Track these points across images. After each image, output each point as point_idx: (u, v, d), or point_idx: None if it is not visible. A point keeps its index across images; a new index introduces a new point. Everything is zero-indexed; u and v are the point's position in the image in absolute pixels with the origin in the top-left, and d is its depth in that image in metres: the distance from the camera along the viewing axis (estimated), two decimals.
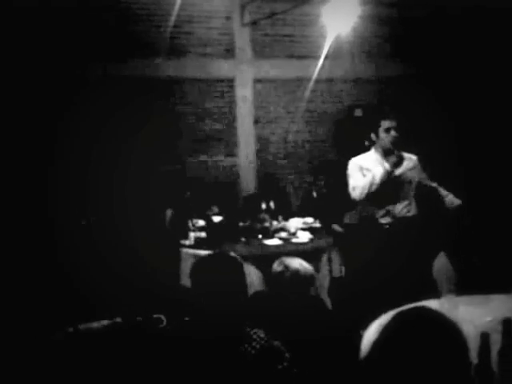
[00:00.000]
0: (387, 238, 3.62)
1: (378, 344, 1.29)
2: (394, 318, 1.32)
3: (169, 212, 4.84)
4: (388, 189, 3.58)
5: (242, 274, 1.84)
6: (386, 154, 3.64)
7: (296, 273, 2.40)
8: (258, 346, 1.72)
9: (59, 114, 4.98)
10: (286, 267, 2.42)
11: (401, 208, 3.71)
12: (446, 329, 1.28)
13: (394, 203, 3.69)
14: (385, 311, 2.11)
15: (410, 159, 3.75)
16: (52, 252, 4.37)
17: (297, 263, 2.45)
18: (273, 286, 2.49)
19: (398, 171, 3.62)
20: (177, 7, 5.25)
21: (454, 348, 1.26)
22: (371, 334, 1.99)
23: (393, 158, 3.58)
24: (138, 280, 3.85)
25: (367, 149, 3.89)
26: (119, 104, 5.12)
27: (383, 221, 3.69)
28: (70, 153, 5.00)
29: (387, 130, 3.62)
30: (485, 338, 1.54)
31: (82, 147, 5.02)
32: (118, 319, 2.50)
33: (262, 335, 1.75)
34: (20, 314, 3.13)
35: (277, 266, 2.45)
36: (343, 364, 1.91)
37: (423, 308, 1.37)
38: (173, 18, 5.36)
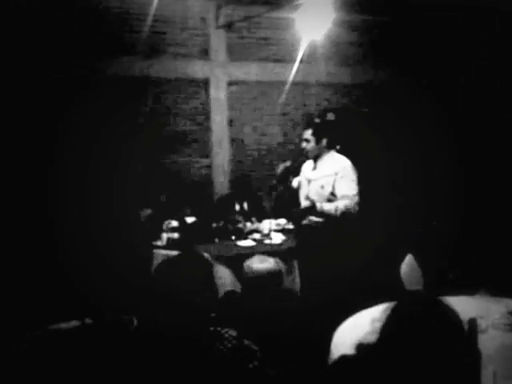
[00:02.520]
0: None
1: (384, 335, 1.29)
2: (396, 310, 1.33)
3: (145, 212, 4.81)
4: (302, 192, 3.97)
5: (210, 273, 1.85)
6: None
7: (265, 269, 2.42)
8: (229, 345, 1.73)
9: (34, 114, 4.90)
10: (254, 264, 2.45)
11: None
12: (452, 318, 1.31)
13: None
14: (351, 314, 2.15)
15: (330, 165, 3.83)
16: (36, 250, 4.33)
17: (265, 260, 2.48)
18: (244, 283, 2.51)
19: (311, 175, 3.90)
20: (152, 7, 5.22)
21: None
22: (343, 334, 2.03)
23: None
24: (109, 280, 3.82)
25: (338, 152, 4.00)
26: (91, 103, 5.06)
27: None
28: (37, 153, 4.92)
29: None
30: (473, 323, 1.59)
31: (53, 146, 4.94)
32: (88, 320, 2.47)
33: (234, 334, 1.76)
34: None
35: (247, 263, 2.47)
36: (313, 363, 1.94)
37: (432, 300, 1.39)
38: (148, 18, 5.33)
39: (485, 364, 1.76)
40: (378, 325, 1.35)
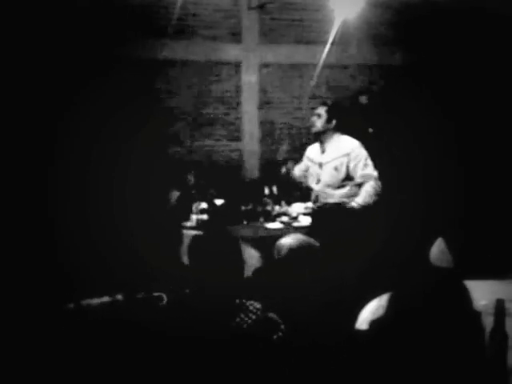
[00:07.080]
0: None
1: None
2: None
3: (174, 194, 4.89)
4: (311, 174, 3.95)
5: (237, 251, 1.89)
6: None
7: (297, 245, 2.44)
8: (253, 317, 1.78)
9: (66, 92, 5.02)
10: (285, 240, 2.48)
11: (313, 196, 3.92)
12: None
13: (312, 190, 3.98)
14: (378, 294, 2.14)
15: (340, 147, 3.79)
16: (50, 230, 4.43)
17: (292, 237, 2.50)
18: (276, 261, 2.53)
19: (322, 159, 3.84)
20: None
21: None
22: (365, 312, 2.03)
23: None
24: (139, 259, 3.90)
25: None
26: (121, 85, 5.13)
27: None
28: (74, 131, 5.04)
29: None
30: (500, 304, 1.58)
31: (84, 127, 5.05)
32: (119, 296, 2.54)
33: (259, 306, 1.81)
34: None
35: (280, 241, 2.50)
36: (338, 340, 1.95)
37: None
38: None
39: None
40: (385, 299, 1.36)
